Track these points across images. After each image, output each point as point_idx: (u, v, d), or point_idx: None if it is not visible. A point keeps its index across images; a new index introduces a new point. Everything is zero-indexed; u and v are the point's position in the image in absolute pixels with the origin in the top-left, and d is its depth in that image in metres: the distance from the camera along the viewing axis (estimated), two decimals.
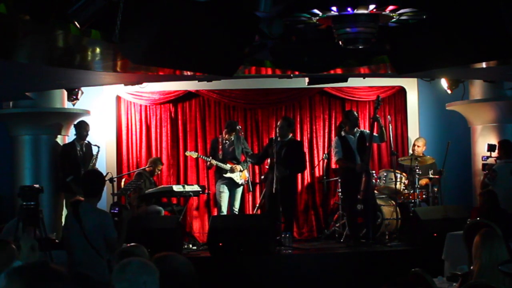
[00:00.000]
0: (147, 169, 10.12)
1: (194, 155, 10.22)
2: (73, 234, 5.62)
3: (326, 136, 11.16)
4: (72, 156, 9.58)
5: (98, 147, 9.77)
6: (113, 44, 4.41)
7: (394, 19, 4.73)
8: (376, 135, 9.34)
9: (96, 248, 5.50)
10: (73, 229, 5.61)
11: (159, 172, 10.39)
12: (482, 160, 9.88)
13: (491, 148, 9.59)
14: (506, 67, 7.54)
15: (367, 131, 9.38)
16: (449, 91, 10.64)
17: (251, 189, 10.15)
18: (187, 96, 11.02)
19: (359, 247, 8.93)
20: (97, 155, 9.74)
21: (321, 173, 10.86)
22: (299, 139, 10.88)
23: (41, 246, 6.32)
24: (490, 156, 9.60)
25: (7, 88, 7.81)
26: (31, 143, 9.70)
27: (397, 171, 9.75)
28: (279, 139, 9.44)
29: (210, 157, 9.86)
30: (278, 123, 9.61)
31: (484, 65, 7.19)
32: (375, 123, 9.18)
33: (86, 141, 9.74)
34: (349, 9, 4.54)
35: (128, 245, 4.31)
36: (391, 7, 4.52)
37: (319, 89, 10.89)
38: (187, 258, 3.42)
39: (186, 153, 10.44)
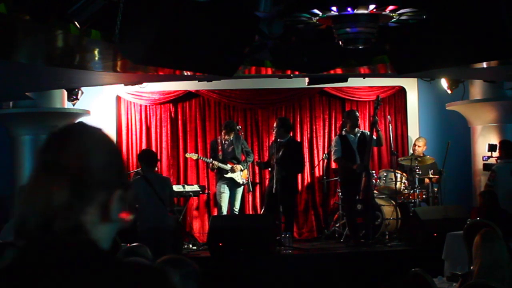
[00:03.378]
0: None
1: (194, 156, 10.21)
2: (147, 196, 7.34)
3: (326, 136, 11.16)
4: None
5: None
6: (113, 44, 4.41)
7: (394, 19, 4.73)
8: (375, 138, 9.33)
9: (165, 204, 7.56)
10: (146, 192, 7.35)
11: (156, 169, 10.33)
12: (483, 160, 9.89)
13: (491, 148, 9.59)
14: (506, 67, 7.53)
15: (369, 132, 9.39)
16: (449, 91, 10.63)
17: (251, 189, 10.14)
18: (187, 96, 11.02)
19: (359, 247, 8.93)
20: None
21: (321, 173, 10.86)
22: (299, 139, 10.88)
23: None
24: (491, 156, 9.61)
25: (7, 88, 7.81)
26: (31, 143, 9.70)
27: (397, 171, 9.75)
28: (278, 140, 9.45)
29: (212, 160, 9.83)
30: (274, 125, 9.61)
31: (484, 65, 7.20)
32: (373, 129, 9.18)
33: None
34: (349, 9, 4.54)
35: (131, 244, 4.31)
36: (391, 7, 4.52)
37: (319, 89, 10.89)
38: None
39: (186, 155, 10.42)
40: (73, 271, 1.28)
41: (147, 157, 7.92)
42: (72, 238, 1.32)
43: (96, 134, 1.44)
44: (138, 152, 10.78)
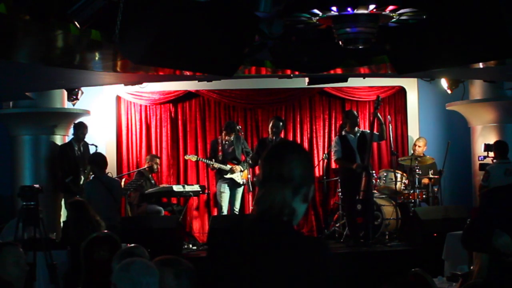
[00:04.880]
0: (146, 168, 10.11)
1: (193, 158, 10.20)
2: (101, 197, 7.98)
3: (326, 136, 11.16)
4: (70, 156, 9.57)
5: (96, 146, 9.77)
6: (113, 44, 4.41)
7: (394, 19, 4.73)
8: (376, 133, 9.35)
9: (118, 204, 8.45)
10: (100, 194, 7.98)
11: (158, 167, 10.34)
12: (479, 160, 9.90)
13: (487, 148, 9.60)
14: (506, 67, 7.53)
15: (369, 131, 9.39)
16: (449, 91, 10.63)
17: (251, 189, 10.12)
18: (187, 96, 11.02)
19: (359, 247, 8.93)
20: None
21: (321, 173, 10.85)
22: (299, 139, 10.90)
23: (41, 246, 6.34)
24: (487, 156, 9.61)
25: (7, 88, 7.81)
26: (31, 143, 9.70)
27: (397, 171, 9.74)
28: (271, 139, 9.46)
29: (213, 160, 9.83)
30: (272, 123, 9.59)
31: (484, 65, 7.19)
32: (375, 119, 9.20)
33: (83, 141, 9.76)
34: (349, 9, 4.54)
35: (129, 245, 4.32)
36: (391, 7, 4.52)
37: (319, 89, 10.90)
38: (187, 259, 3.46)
39: (185, 157, 10.39)
40: (285, 237, 2.27)
41: (100, 160, 8.57)
42: (288, 218, 2.29)
43: (299, 152, 2.39)
44: (138, 152, 10.88)
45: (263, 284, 2.22)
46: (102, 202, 7.99)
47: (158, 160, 10.34)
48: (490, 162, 9.44)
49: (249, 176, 9.99)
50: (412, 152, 10.42)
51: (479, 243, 3.81)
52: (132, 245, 4.25)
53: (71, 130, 9.92)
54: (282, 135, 10.19)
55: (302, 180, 2.31)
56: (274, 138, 9.49)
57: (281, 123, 9.58)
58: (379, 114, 9.26)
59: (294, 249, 2.25)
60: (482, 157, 9.80)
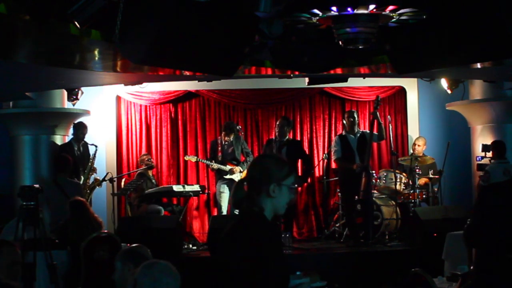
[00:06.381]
0: (146, 168, 10.11)
1: (193, 159, 10.20)
2: (58, 198, 8.27)
3: (326, 136, 11.16)
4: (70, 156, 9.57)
5: (96, 146, 9.77)
6: (113, 44, 4.41)
7: (394, 19, 4.73)
8: (376, 133, 9.35)
9: None
10: (58, 195, 8.32)
11: (152, 161, 10.32)
12: (477, 161, 9.90)
13: (485, 148, 9.59)
14: (506, 67, 7.53)
15: (369, 131, 9.40)
16: (449, 91, 10.64)
17: None
18: (187, 96, 11.02)
19: (359, 247, 8.93)
20: (94, 154, 9.75)
21: (321, 173, 10.86)
22: (299, 139, 10.89)
23: (41, 246, 6.34)
24: (485, 156, 9.61)
25: (7, 88, 7.81)
26: (31, 143, 9.69)
27: (397, 171, 9.75)
28: (277, 139, 9.47)
29: (213, 161, 9.83)
30: (278, 123, 9.61)
31: (483, 65, 7.19)
32: (375, 120, 9.21)
33: (83, 141, 9.77)
34: (349, 9, 4.54)
35: (131, 245, 4.33)
36: (391, 7, 4.51)
37: (319, 89, 10.90)
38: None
39: (185, 157, 10.39)
40: (250, 222, 2.98)
41: (61, 162, 9.05)
42: (252, 209, 2.99)
43: (256, 164, 3.17)
44: (138, 152, 10.89)
45: (225, 249, 2.98)
46: (57, 203, 8.20)
47: (148, 156, 10.33)
48: (488, 162, 9.43)
49: None
50: (412, 151, 10.42)
51: (478, 239, 3.84)
52: (135, 244, 4.26)
53: (71, 130, 9.92)
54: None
55: (260, 183, 3.01)
56: (279, 138, 9.49)
57: (286, 123, 9.58)
58: (378, 115, 9.29)
59: (246, 227, 2.96)
60: (480, 157, 9.80)
